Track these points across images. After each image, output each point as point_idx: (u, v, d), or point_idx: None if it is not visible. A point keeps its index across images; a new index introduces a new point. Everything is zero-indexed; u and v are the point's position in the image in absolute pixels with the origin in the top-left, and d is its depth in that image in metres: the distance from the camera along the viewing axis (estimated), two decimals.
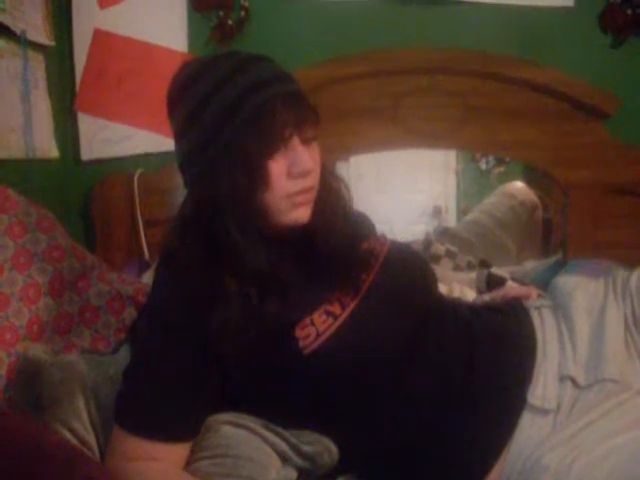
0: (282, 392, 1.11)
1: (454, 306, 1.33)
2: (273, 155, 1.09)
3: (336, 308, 1.12)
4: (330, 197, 1.22)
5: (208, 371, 1.09)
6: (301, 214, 1.14)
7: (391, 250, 1.29)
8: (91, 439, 1.10)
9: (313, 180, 1.14)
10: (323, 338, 1.08)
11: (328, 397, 1.11)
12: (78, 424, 1.10)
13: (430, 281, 1.33)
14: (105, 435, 1.11)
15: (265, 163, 1.09)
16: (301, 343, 1.07)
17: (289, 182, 1.11)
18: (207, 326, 1.05)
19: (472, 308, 1.36)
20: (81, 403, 1.12)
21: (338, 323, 1.10)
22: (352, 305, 1.13)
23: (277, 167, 1.10)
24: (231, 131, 1.08)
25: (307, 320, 1.09)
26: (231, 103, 1.08)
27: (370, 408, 1.12)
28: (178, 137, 1.17)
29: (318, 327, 1.08)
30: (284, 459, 1.07)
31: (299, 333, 1.08)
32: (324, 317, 1.10)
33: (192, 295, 1.09)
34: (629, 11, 2.09)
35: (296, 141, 1.11)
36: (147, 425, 1.05)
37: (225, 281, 1.08)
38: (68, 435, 1.09)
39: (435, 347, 1.19)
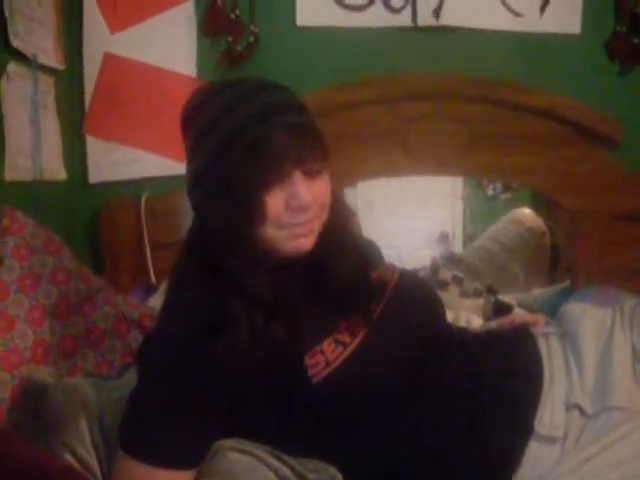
0: (288, 419, 1.10)
1: (460, 335, 1.32)
2: (271, 189, 1.05)
3: (346, 337, 1.10)
4: (339, 225, 1.19)
5: (214, 397, 1.06)
6: (301, 243, 1.11)
7: (400, 279, 1.28)
8: (94, 463, 1.09)
9: (315, 213, 1.11)
10: (332, 367, 1.06)
11: (334, 426, 1.09)
12: (81, 448, 1.09)
13: (438, 311, 1.33)
14: (108, 460, 1.10)
15: (262, 197, 1.05)
16: (310, 372, 1.06)
17: (287, 215, 1.07)
18: (214, 350, 1.03)
19: (478, 337, 1.35)
20: (84, 427, 1.11)
21: (347, 353, 1.08)
22: (361, 335, 1.11)
23: (274, 201, 1.06)
24: (229, 162, 1.04)
25: (317, 348, 1.07)
26: (232, 132, 1.04)
27: (376, 438, 1.11)
28: (187, 160, 1.15)
29: (328, 356, 1.07)
30: None
31: (308, 361, 1.06)
32: (334, 346, 1.08)
33: (199, 320, 1.07)
34: (635, 40, 2.09)
35: (297, 175, 1.06)
36: (150, 451, 1.03)
37: (231, 304, 1.06)
38: (71, 459, 1.08)
39: (442, 377, 1.17)
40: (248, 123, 1.04)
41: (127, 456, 1.03)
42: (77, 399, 1.15)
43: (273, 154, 1.04)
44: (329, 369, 1.06)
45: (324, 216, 1.14)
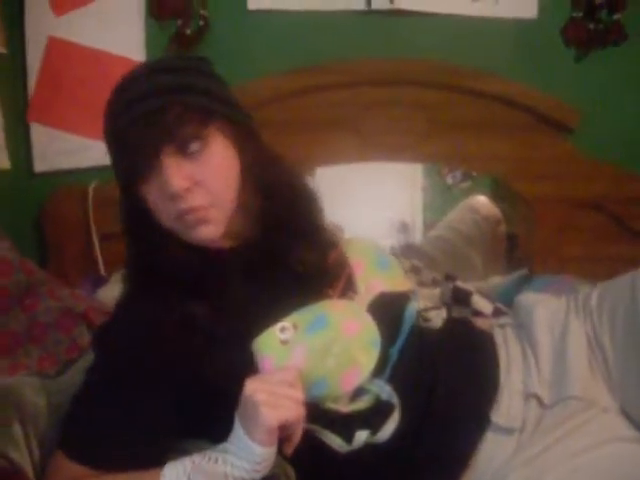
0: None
1: (420, 328, 1.27)
2: (145, 179, 1.04)
3: None
4: (285, 209, 1.15)
5: (162, 402, 1.04)
6: (202, 233, 1.07)
7: None
8: (28, 467, 1.04)
9: (201, 199, 1.05)
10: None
11: None
12: (14, 452, 1.04)
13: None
14: (43, 464, 1.06)
15: (138, 188, 1.06)
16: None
17: (167, 204, 1.04)
18: (165, 354, 1.01)
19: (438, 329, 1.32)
20: (18, 429, 1.06)
21: None
22: None
23: (152, 191, 1.05)
24: (112, 156, 1.09)
25: None
26: (108, 129, 1.07)
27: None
28: None
29: None
30: None
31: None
32: None
33: (149, 321, 1.05)
34: (591, 25, 2.09)
35: (166, 161, 1.03)
36: (93, 455, 1.01)
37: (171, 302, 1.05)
38: (3, 462, 1.03)
39: (400, 371, 1.13)
40: (117, 116, 1.05)
41: (66, 457, 1.01)
42: (12, 400, 1.10)
43: (130, 149, 1.03)
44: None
45: (225, 201, 1.09)
